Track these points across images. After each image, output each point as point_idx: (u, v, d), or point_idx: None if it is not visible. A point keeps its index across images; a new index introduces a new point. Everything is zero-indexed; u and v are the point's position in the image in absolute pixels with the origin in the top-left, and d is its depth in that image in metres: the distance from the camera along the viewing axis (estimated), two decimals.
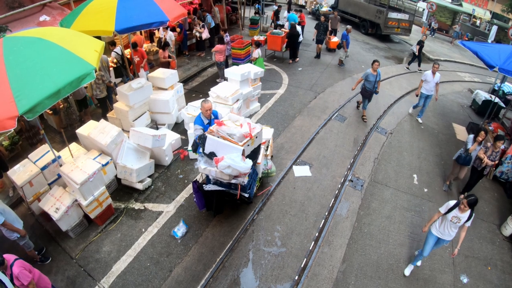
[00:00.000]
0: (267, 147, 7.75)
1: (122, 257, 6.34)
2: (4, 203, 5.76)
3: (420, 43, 16.03)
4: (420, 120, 11.55)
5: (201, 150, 6.12)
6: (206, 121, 6.49)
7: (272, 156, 8.50)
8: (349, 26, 15.34)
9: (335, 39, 17.52)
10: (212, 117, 6.54)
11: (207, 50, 16.12)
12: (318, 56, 16.53)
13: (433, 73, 10.46)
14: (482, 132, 7.51)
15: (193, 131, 6.56)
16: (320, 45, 16.34)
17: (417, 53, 16.18)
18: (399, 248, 6.69)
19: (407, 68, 16.76)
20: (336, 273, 6.13)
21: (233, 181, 6.08)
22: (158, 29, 12.80)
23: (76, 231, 6.77)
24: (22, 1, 9.33)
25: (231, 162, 5.72)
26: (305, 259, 6.29)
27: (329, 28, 17.51)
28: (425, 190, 8.33)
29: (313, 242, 6.60)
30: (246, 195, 6.36)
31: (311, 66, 15.24)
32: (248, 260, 6.27)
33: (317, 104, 11.82)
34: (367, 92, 10.51)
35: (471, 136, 7.78)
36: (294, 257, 6.33)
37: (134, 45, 10.90)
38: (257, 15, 19.94)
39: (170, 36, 12.80)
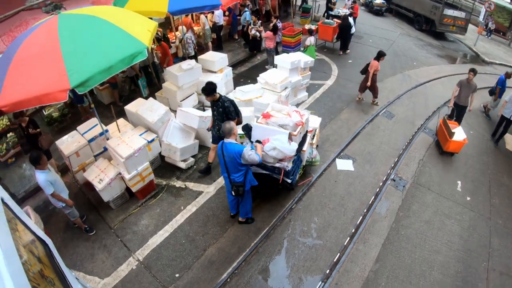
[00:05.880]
0: (314, 135, 7.67)
1: (159, 231, 6.52)
2: (56, 173, 6.03)
3: None
4: None
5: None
6: None
7: (317, 146, 8.41)
8: (510, 70, 11.51)
9: (460, 135, 8.99)
10: None
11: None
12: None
13: None
14: None
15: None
16: None
17: None
18: (434, 255, 6.44)
19: None
20: (367, 272, 6.00)
21: (277, 165, 6.12)
22: (213, 12, 12.83)
23: (117, 202, 7.01)
24: None
25: (277, 144, 5.78)
26: (339, 254, 6.20)
27: (451, 104, 9.93)
28: (468, 198, 7.95)
29: (348, 238, 6.50)
30: (289, 181, 6.38)
31: (361, 59, 14.59)
32: (282, 248, 6.27)
33: (366, 98, 11.48)
34: None
35: None
36: (328, 250, 6.26)
37: (158, 40, 10.79)
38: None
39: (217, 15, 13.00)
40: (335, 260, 6.08)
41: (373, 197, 7.47)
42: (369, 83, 10.57)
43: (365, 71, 10.74)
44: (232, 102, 6.91)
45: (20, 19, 8.21)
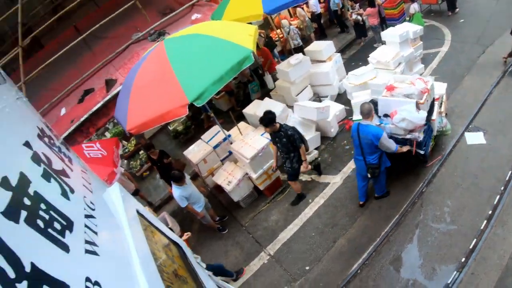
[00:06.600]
0: (441, 103, 7.13)
1: (288, 226, 6.82)
2: (193, 186, 6.67)
3: None
4: None
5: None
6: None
7: (446, 114, 7.69)
8: None
9: None
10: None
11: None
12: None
13: None
14: None
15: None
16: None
17: None
18: None
19: None
20: (507, 259, 5.23)
21: (408, 136, 5.99)
22: (306, 4, 12.79)
23: (246, 201, 7.56)
24: (172, 6, 10.40)
25: (406, 114, 5.71)
26: (475, 239, 5.58)
27: None
28: None
29: (485, 221, 5.81)
30: (422, 152, 6.18)
31: (473, 16, 12.71)
32: (413, 235, 5.96)
33: (487, 59, 9.87)
34: None
35: None
36: (463, 236, 5.71)
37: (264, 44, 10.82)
38: None
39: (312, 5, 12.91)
40: (471, 247, 5.52)
41: (510, 171, 6.48)
42: None
43: None
44: (294, 129, 6.39)
45: (131, 52, 9.13)
